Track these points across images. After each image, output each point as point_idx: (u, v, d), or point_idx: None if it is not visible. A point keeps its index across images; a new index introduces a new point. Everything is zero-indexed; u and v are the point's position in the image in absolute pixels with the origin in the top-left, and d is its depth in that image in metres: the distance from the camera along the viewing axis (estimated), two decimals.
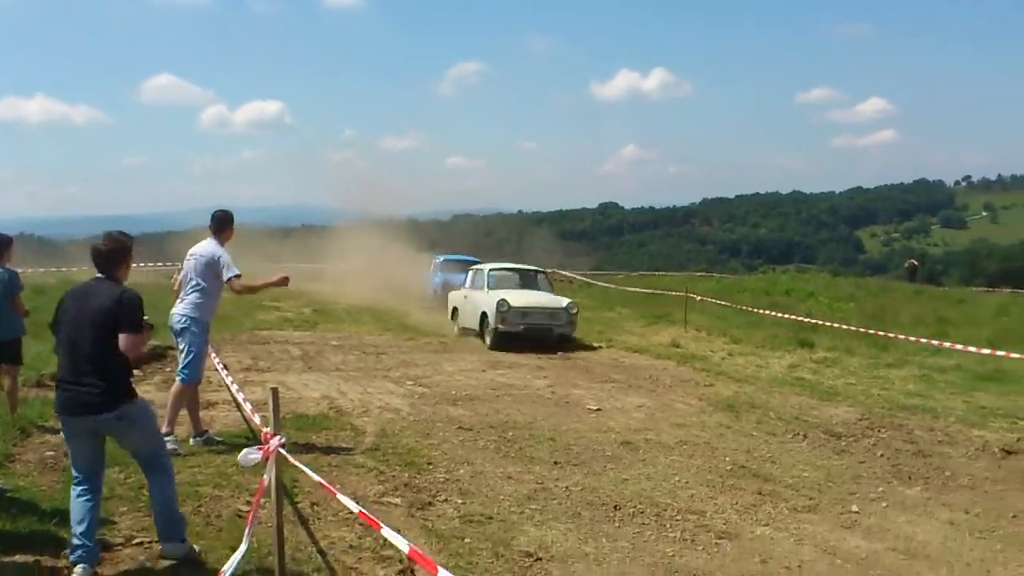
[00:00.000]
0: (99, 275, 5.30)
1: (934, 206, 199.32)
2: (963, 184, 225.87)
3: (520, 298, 18.25)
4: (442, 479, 7.58)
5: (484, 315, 18.28)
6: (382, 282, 28.39)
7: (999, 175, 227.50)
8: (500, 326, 17.58)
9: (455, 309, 20.68)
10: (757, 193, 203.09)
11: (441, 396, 11.64)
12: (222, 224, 8.58)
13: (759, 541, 6.34)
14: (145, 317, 5.20)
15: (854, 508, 7.20)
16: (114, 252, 5.32)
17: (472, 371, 14.12)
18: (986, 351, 13.89)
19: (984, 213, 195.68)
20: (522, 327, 17.65)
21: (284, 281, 8.55)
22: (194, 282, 8.32)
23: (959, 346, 14.63)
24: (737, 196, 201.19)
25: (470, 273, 20.68)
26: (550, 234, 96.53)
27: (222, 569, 4.42)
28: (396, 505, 6.80)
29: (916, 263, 47.01)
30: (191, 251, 8.47)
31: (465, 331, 19.65)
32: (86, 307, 5.14)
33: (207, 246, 8.42)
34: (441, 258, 27.87)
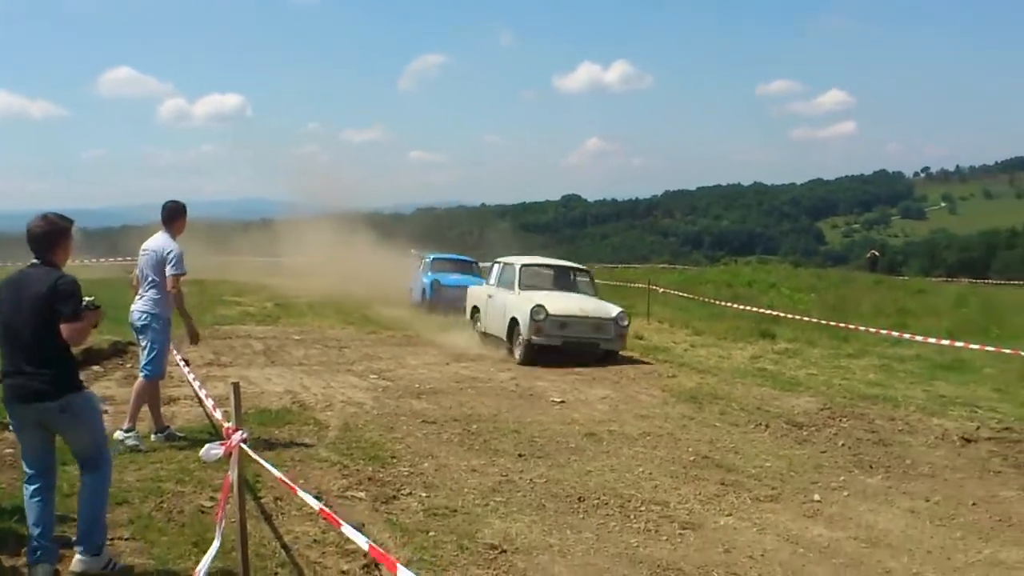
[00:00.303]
0: (35, 260, 5.01)
1: (894, 197, 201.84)
2: (922, 175, 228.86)
3: (559, 303, 14.96)
4: (406, 472, 7.55)
5: (514, 322, 15.11)
6: (356, 279, 27.77)
7: (957, 166, 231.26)
8: (534, 337, 14.46)
9: (475, 309, 17.54)
10: (719, 185, 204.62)
11: (405, 389, 11.59)
12: (173, 215, 8.28)
13: (722, 531, 6.39)
14: (90, 298, 5.02)
15: (816, 497, 7.27)
16: (49, 235, 5.00)
17: (436, 364, 14.08)
18: (945, 341, 14.10)
19: (943, 204, 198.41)
20: (561, 340, 14.55)
21: (196, 337, 8.47)
22: (149, 278, 8.13)
23: (919, 337, 14.83)
24: (699, 188, 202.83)
25: (495, 267, 17.42)
26: (513, 227, 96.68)
27: (196, 568, 4.37)
28: (360, 499, 6.77)
29: (877, 254, 47.71)
30: (144, 246, 8.25)
31: (488, 337, 16.55)
32: (22, 295, 4.89)
33: (158, 240, 8.19)
34: (431, 257, 25.36)
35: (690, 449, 8.75)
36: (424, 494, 6.95)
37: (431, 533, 6.04)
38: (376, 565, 5.37)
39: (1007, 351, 12.78)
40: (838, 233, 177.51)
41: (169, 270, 7.99)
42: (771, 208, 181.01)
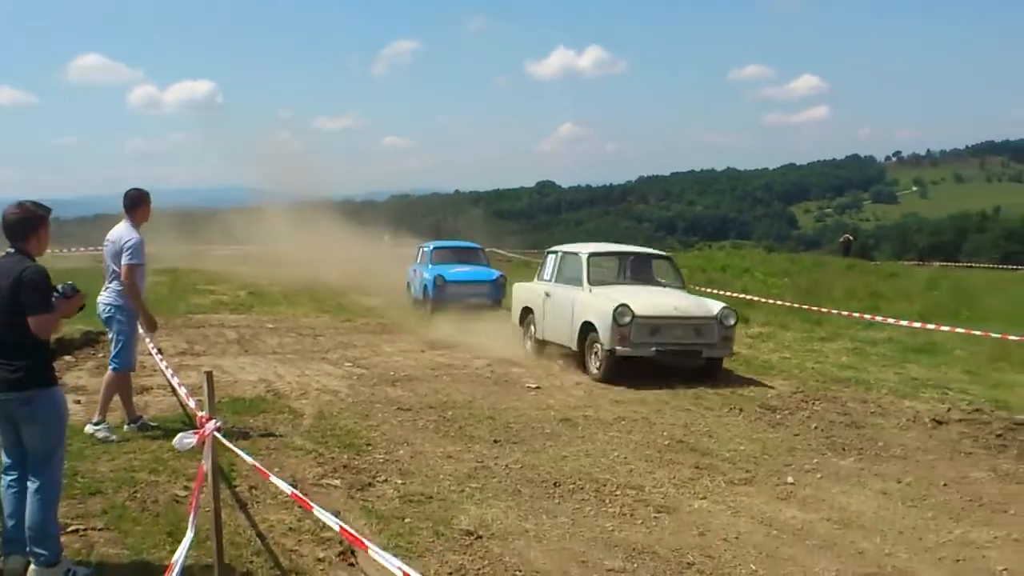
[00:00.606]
0: (10, 249, 4.88)
1: (866, 182, 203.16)
2: (894, 160, 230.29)
3: (647, 301, 11.97)
4: (382, 460, 7.54)
5: (588, 327, 12.12)
6: (330, 267, 26.85)
7: (928, 150, 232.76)
8: (619, 347, 11.54)
9: (527, 311, 14.26)
10: (692, 170, 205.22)
11: (380, 377, 11.57)
12: (135, 203, 8.07)
13: (697, 514, 6.43)
14: (69, 283, 4.92)
15: (789, 480, 7.33)
16: (22, 222, 4.86)
17: (411, 352, 14.06)
18: (917, 324, 14.24)
19: (914, 188, 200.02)
20: (654, 348, 11.66)
21: (153, 325, 8.31)
22: (112, 269, 7.99)
23: (891, 320, 14.96)
24: (673, 173, 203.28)
25: (551, 258, 14.20)
26: (487, 214, 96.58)
27: (172, 560, 4.33)
28: (336, 487, 6.76)
29: (851, 238, 47.95)
30: (107, 236, 8.10)
31: (546, 345, 13.58)
32: None
33: (120, 230, 8.00)
34: (431, 246, 21.38)
35: (665, 433, 8.80)
36: (400, 481, 6.95)
37: (407, 520, 6.04)
38: (352, 552, 5.36)
39: (977, 333, 12.92)
40: (811, 218, 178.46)
41: (124, 259, 7.83)
42: (744, 193, 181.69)
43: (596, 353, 11.91)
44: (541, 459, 7.73)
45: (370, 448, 7.91)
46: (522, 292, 14.76)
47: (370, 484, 6.85)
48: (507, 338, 14.55)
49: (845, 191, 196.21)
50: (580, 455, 7.91)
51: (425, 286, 19.54)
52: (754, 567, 5.45)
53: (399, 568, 3.24)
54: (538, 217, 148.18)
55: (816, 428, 9.17)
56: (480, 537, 5.78)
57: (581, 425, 9.09)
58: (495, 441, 8.32)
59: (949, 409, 10.09)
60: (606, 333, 11.59)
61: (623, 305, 11.59)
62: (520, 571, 5.33)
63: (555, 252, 14.24)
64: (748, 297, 18.86)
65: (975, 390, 11.35)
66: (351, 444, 8.00)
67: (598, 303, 12.05)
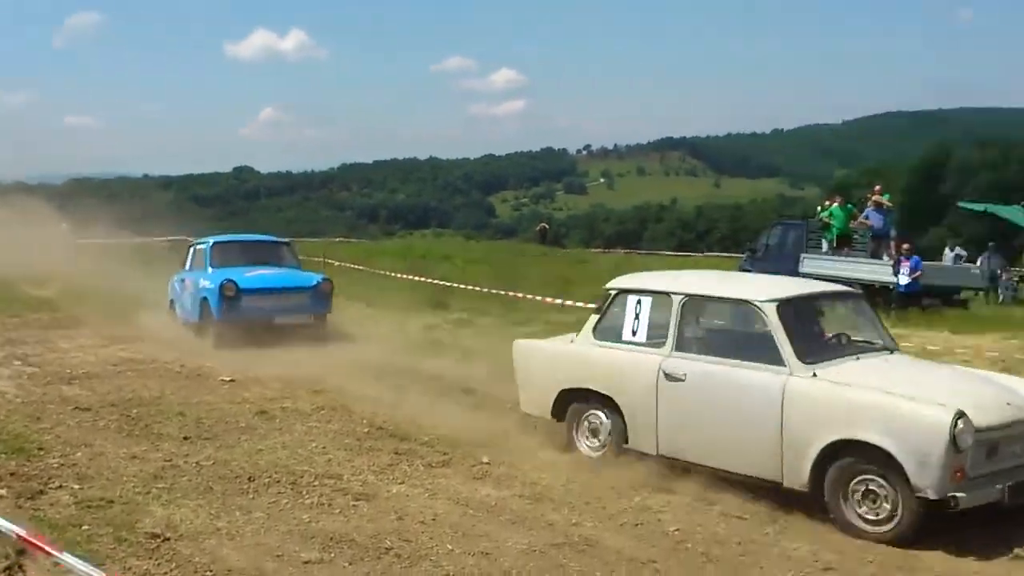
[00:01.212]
0: None
1: (559, 173, 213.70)
2: (584, 152, 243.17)
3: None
4: (56, 465, 6.95)
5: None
6: None
7: (615, 144, 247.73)
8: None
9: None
10: (395, 159, 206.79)
11: (54, 375, 10.67)
12: None
13: (395, 499, 6.44)
14: None
15: (485, 460, 7.49)
16: None
17: (91, 347, 13.01)
18: None
19: (602, 180, 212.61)
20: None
21: None
22: None
23: (580, 303, 15.77)
24: (376, 162, 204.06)
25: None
26: (179, 199, 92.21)
27: None
28: (1, 497, 6.15)
29: (546, 226, 50.23)
30: None
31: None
32: None
33: None
34: (210, 241, 15.11)
35: (365, 421, 8.73)
36: (77, 486, 6.45)
37: (85, 527, 5.61)
38: (20, 567, 4.88)
39: None
40: (508, 207, 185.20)
41: None
42: (446, 183, 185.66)
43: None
44: (235, 454, 7.45)
45: (42, 453, 7.27)
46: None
47: (42, 491, 6.30)
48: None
49: (540, 182, 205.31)
50: (277, 448, 7.70)
51: (204, 301, 13.63)
52: (450, 546, 5.54)
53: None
54: (235, 203, 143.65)
55: (511, 409, 9.42)
56: (168, 539, 5.48)
57: (279, 417, 8.84)
58: (185, 438, 7.92)
59: None
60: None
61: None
62: (211, 571, 5.11)
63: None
64: (448, 284, 19.22)
65: None
66: (20, 449, 7.30)
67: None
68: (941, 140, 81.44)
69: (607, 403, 7.58)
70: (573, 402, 7.92)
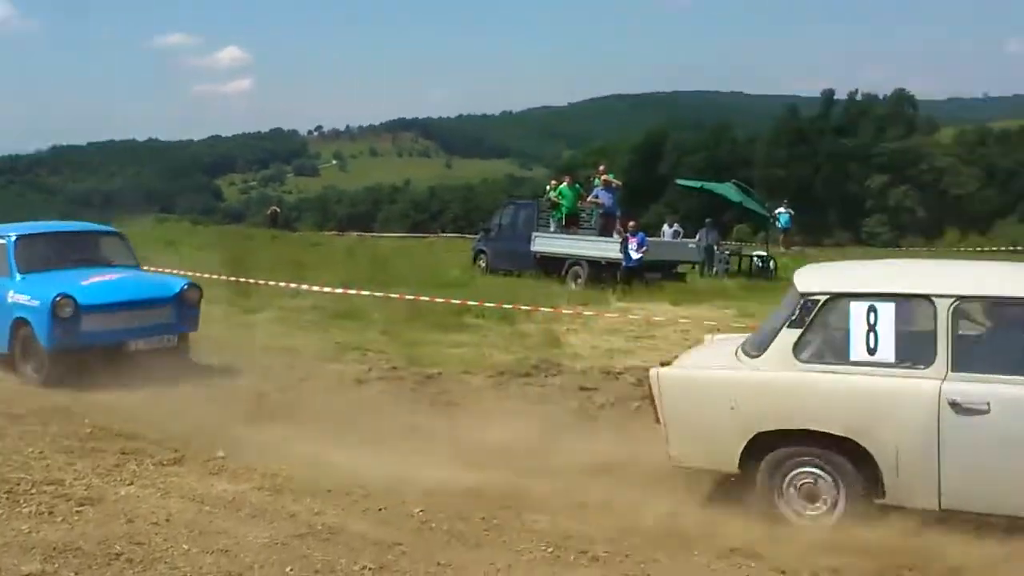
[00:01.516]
0: None
1: (289, 155, 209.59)
2: (315, 134, 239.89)
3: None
4: None
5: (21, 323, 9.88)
6: None
7: (347, 125, 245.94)
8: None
9: None
10: (112, 140, 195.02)
11: None
12: None
13: (124, 501, 6.12)
14: None
15: (220, 454, 7.25)
16: None
17: None
18: (339, 290, 14.99)
19: (334, 161, 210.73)
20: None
21: None
22: None
23: (315, 288, 15.58)
24: (90, 143, 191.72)
25: None
26: None
27: None
28: None
29: (277, 210, 49.14)
30: None
31: None
32: None
33: None
34: (13, 235, 10.70)
35: (87, 421, 8.20)
36: None
37: None
38: None
39: (393, 296, 13.96)
40: (236, 190, 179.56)
41: None
42: (168, 166, 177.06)
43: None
44: None
45: None
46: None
47: None
48: None
49: (270, 164, 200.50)
50: None
51: (17, 324, 10.06)
52: (186, 546, 5.33)
53: None
54: None
55: (243, 399, 9.18)
56: None
57: None
58: None
59: (370, 369, 10.76)
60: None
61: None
62: None
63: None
64: (174, 272, 18.32)
65: (391, 349, 12.19)
66: None
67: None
68: (661, 122, 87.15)
69: (841, 448, 5.60)
70: (773, 448, 5.83)
